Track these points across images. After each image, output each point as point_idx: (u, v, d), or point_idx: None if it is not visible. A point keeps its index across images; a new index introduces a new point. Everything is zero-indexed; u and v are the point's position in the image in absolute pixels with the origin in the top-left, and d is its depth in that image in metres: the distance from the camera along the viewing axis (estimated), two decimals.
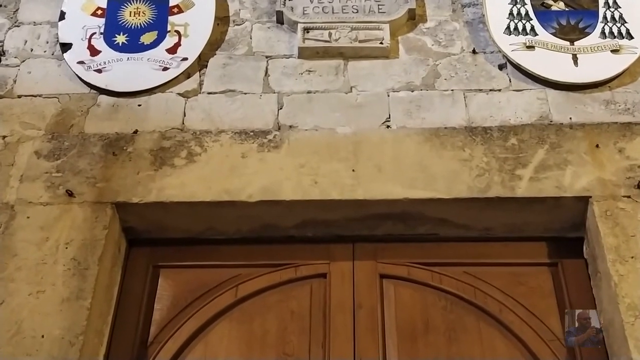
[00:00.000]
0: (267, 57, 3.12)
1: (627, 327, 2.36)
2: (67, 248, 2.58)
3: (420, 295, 2.68)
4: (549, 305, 2.64)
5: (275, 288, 2.71)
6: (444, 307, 2.64)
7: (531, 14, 3.11)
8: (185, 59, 3.06)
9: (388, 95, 2.97)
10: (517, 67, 2.99)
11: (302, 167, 2.74)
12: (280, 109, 2.95)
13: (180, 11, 3.21)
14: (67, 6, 3.23)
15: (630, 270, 2.46)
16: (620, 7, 3.10)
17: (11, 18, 3.29)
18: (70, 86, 3.04)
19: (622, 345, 2.37)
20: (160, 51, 3.09)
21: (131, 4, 3.24)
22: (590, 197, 2.62)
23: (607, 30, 3.04)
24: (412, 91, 2.98)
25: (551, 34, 3.05)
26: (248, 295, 2.69)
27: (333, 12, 3.16)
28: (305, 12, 3.17)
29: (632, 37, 3.01)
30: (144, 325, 2.65)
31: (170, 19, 3.18)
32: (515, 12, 3.12)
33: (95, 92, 3.02)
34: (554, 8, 3.14)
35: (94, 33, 3.15)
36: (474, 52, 3.09)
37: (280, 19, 3.20)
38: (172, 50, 3.09)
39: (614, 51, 2.98)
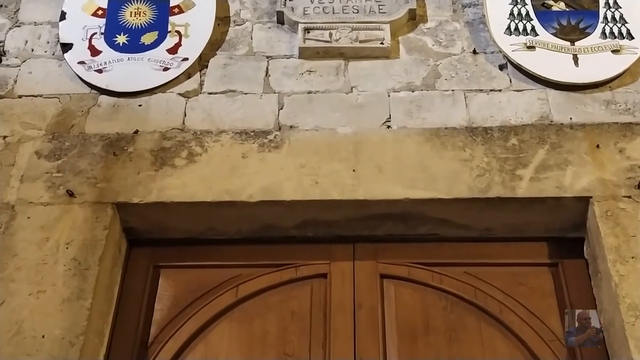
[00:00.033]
0: (267, 57, 3.12)
1: (627, 327, 2.36)
2: (67, 248, 2.58)
3: (420, 295, 2.68)
4: (549, 305, 2.64)
5: (276, 288, 2.71)
6: (444, 307, 2.64)
7: (532, 14, 3.11)
8: (185, 59, 3.06)
9: (389, 96, 2.97)
10: (518, 68, 2.99)
11: (302, 167, 2.74)
12: (281, 109, 2.95)
13: (181, 11, 3.21)
14: (67, 6, 3.23)
15: (630, 271, 2.46)
16: (620, 8, 3.10)
17: (12, 18, 3.29)
18: (70, 86, 3.04)
19: (622, 345, 2.37)
20: (160, 51, 3.09)
21: (132, 4, 3.24)
22: (591, 197, 2.62)
23: (607, 31, 3.04)
24: (413, 91, 2.98)
25: (552, 34, 3.05)
26: (248, 295, 2.69)
27: (333, 13, 3.16)
28: (305, 13, 3.17)
29: (632, 38, 3.01)
30: (144, 326, 2.65)
31: (171, 19, 3.19)
32: (515, 12, 3.12)
33: (95, 92, 3.02)
34: (554, 8, 3.14)
35: (95, 33, 3.15)
36: (474, 52, 3.09)
37: (280, 19, 3.20)
38: (173, 50, 3.09)
39: (615, 51, 2.98)
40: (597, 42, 3.01)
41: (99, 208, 2.66)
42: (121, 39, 3.14)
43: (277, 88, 3.01)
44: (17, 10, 3.31)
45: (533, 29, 3.07)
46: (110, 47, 3.11)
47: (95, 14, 3.21)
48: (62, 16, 3.21)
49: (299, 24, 3.12)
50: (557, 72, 2.94)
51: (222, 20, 3.23)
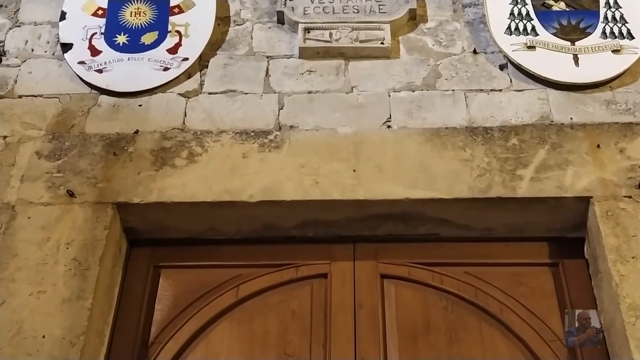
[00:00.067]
0: (267, 57, 3.12)
1: (628, 327, 2.36)
2: (68, 248, 2.58)
3: (421, 295, 2.68)
4: (549, 305, 2.64)
5: (276, 288, 2.71)
6: (444, 307, 2.64)
7: (532, 14, 3.11)
8: (186, 59, 3.06)
9: (389, 96, 2.97)
10: (518, 67, 2.99)
11: (303, 167, 2.74)
12: (281, 109, 2.95)
13: (181, 11, 3.21)
14: (67, 6, 3.23)
15: (631, 271, 2.46)
16: (621, 7, 3.10)
17: (12, 18, 3.29)
18: (71, 86, 3.04)
19: (623, 345, 2.37)
20: (161, 51, 3.09)
21: (132, 4, 3.24)
22: (591, 197, 2.62)
23: (607, 31, 3.04)
24: (413, 91, 2.98)
25: (552, 34, 3.05)
26: (249, 295, 2.69)
27: (334, 12, 3.16)
28: (306, 12, 3.17)
29: (633, 37, 3.01)
30: (144, 326, 2.65)
31: (171, 19, 3.18)
32: (516, 12, 3.12)
33: (96, 92, 3.02)
34: (554, 8, 3.14)
35: (95, 33, 3.15)
36: (474, 52, 3.09)
37: (281, 19, 3.20)
38: (173, 50, 3.09)
39: (615, 51, 2.98)
40: (598, 42, 3.01)
41: (99, 208, 2.66)
42: (121, 39, 3.13)
43: (278, 88, 3.01)
44: (17, 10, 3.31)
45: (533, 28, 3.07)
46: (111, 47, 3.11)
47: (95, 14, 3.21)
48: (62, 16, 3.20)
49: (299, 24, 3.11)
50: (558, 72, 2.94)
51: (222, 20, 3.23)
